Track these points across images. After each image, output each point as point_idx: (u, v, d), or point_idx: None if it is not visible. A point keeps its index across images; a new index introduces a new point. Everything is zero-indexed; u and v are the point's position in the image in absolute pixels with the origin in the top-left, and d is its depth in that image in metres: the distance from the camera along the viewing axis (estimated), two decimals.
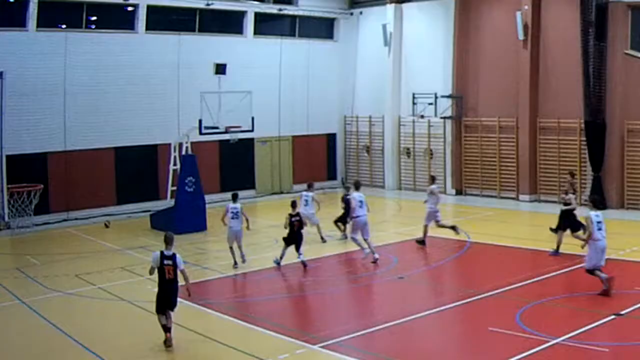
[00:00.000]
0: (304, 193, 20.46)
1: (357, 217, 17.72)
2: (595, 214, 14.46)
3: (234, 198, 17.98)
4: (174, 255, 12.14)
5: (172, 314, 12.32)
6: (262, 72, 29.40)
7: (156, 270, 12.14)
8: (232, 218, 17.59)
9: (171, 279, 12.13)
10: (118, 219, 24.81)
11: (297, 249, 17.45)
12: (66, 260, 19.00)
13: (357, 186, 18.65)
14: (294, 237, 17.47)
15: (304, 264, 17.31)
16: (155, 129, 26.51)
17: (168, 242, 12.21)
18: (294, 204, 17.84)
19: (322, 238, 20.39)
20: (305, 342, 12.06)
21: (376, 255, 17.64)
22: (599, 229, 14.29)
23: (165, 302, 12.14)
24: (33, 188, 22.75)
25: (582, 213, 16.83)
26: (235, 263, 17.67)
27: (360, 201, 17.82)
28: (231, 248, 17.74)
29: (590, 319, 12.71)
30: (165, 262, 12.04)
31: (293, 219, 17.44)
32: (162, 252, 12.13)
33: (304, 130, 31.87)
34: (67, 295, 15.44)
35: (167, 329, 12.11)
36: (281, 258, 17.56)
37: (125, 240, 21.31)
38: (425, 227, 19.59)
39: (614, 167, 24.48)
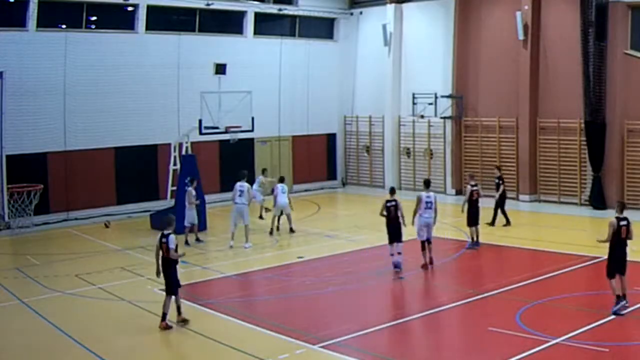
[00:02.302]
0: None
1: (236, 204, 19.99)
2: (426, 195, 17.08)
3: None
4: (168, 235, 13.14)
5: (177, 300, 13.09)
6: (262, 72, 29.39)
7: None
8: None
9: (166, 257, 13.17)
10: (118, 219, 24.81)
11: (397, 238, 16.85)
12: (66, 260, 18.99)
13: (241, 176, 20.45)
14: (392, 226, 16.90)
15: (395, 265, 16.79)
16: (155, 129, 26.50)
17: (168, 223, 13.41)
18: (392, 190, 17.43)
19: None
20: (305, 342, 12.06)
21: (231, 243, 19.82)
22: (428, 208, 16.95)
23: (165, 279, 13.14)
24: (33, 188, 22.74)
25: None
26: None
27: (241, 190, 20.02)
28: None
29: (590, 319, 12.73)
30: (162, 240, 13.15)
31: (389, 204, 16.94)
32: (162, 233, 13.27)
33: (304, 130, 31.91)
34: (67, 295, 15.43)
35: (165, 316, 12.94)
36: (392, 255, 16.85)
37: (125, 240, 21.30)
38: (275, 218, 21.89)
39: (614, 167, 24.47)
